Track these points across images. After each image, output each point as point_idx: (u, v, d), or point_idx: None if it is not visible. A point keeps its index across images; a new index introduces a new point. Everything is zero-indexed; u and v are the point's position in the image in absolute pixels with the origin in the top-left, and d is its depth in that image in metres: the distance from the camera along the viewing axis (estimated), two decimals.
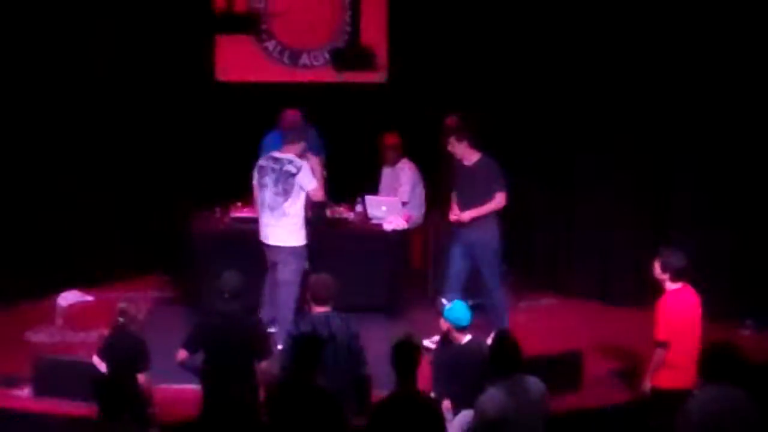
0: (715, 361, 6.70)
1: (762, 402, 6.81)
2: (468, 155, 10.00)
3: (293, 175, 9.70)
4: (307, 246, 9.88)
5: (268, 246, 9.86)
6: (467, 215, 9.94)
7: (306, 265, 9.93)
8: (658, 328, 7.98)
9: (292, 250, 9.80)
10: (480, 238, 9.97)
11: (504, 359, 6.86)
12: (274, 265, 9.88)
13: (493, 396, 6.74)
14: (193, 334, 8.00)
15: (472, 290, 10.09)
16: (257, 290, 10.00)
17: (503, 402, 6.70)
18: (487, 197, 9.90)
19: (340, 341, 7.84)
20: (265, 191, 9.80)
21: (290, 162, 9.72)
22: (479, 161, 9.98)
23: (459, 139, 9.98)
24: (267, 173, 9.79)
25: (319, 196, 9.98)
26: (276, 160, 9.78)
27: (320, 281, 8.13)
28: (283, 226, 9.77)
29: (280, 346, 8.91)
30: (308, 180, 9.75)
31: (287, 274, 9.78)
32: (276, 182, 9.75)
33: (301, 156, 9.83)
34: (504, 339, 6.97)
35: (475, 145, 9.96)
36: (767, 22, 10.31)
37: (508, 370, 6.82)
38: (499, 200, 9.91)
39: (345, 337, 7.89)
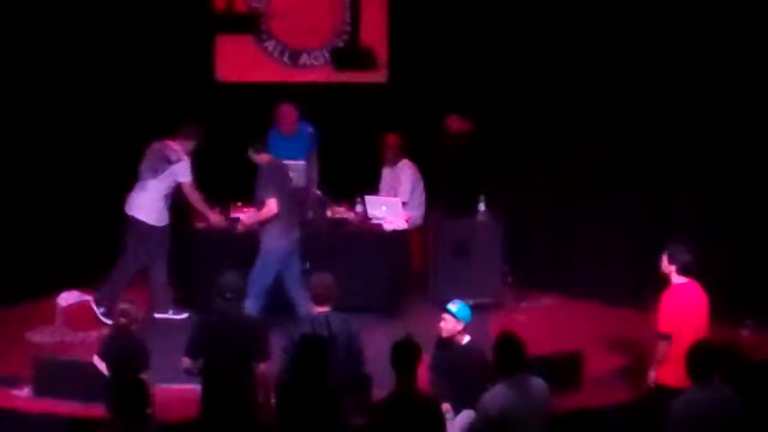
0: (700, 361, 6.71)
1: (761, 401, 6.82)
2: (259, 161, 9.92)
3: (168, 159, 10.43)
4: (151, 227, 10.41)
5: None
6: (245, 218, 10.12)
7: (306, 264, 9.96)
8: (661, 321, 7.95)
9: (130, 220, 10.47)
10: (263, 245, 9.85)
11: (509, 359, 6.87)
12: None
13: (496, 394, 6.76)
14: (193, 339, 7.97)
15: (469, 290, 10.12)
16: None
17: (506, 401, 6.71)
18: (261, 204, 9.84)
19: (340, 341, 7.84)
20: None
21: (168, 147, 10.44)
22: (261, 167, 9.90)
23: (250, 147, 9.96)
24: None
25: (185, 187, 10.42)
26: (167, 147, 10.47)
27: (320, 281, 8.13)
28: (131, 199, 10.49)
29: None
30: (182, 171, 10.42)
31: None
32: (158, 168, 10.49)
33: (185, 154, 10.47)
34: (509, 339, 6.98)
35: (260, 149, 9.90)
36: (767, 22, 10.32)
37: (513, 370, 6.83)
38: (268, 207, 9.73)
39: (345, 337, 7.89)
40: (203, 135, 10.64)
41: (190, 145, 10.58)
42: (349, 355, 7.92)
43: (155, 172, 10.44)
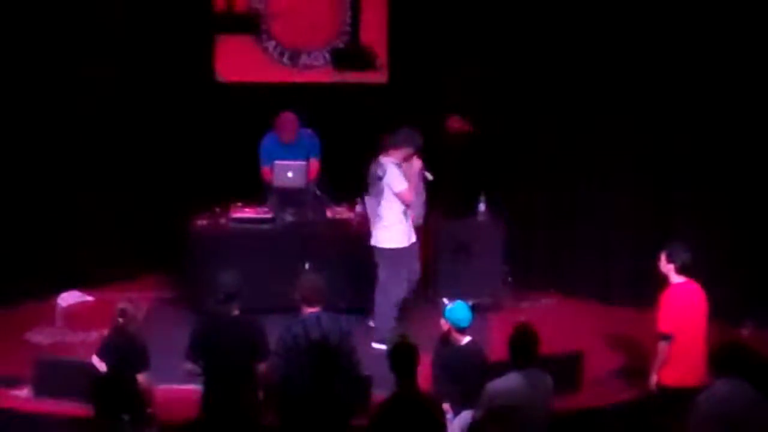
0: (727, 357, 6.69)
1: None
2: None
3: (380, 177, 9.91)
4: (402, 250, 9.97)
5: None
6: None
7: (306, 264, 9.96)
8: (661, 321, 7.95)
9: (380, 252, 10.00)
10: None
11: (522, 352, 6.90)
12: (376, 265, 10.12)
13: (505, 385, 6.82)
14: (193, 341, 7.97)
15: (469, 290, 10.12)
16: (257, 291, 9.99)
17: (514, 392, 6.78)
18: None
19: (333, 341, 7.82)
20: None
21: (380, 165, 9.95)
22: None
23: None
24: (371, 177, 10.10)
25: (407, 198, 9.95)
26: (377, 164, 10.01)
27: (309, 282, 8.10)
28: (377, 229, 10.02)
29: (375, 344, 9.28)
30: (395, 182, 9.88)
31: (381, 276, 9.99)
32: (372, 186, 10.08)
33: (406, 160, 9.97)
34: (525, 332, 7.01)
35: None
36: (767, 22, 10.31)
37: (525, 363, 6.86)
38: None
39: (336, 336, 7.87)
40: (417, 137, 10.03)
41: (402, 152, 10.00)
42: (342, 355, 7.91)
43: (376, 195, 10.09)
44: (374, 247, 10.10)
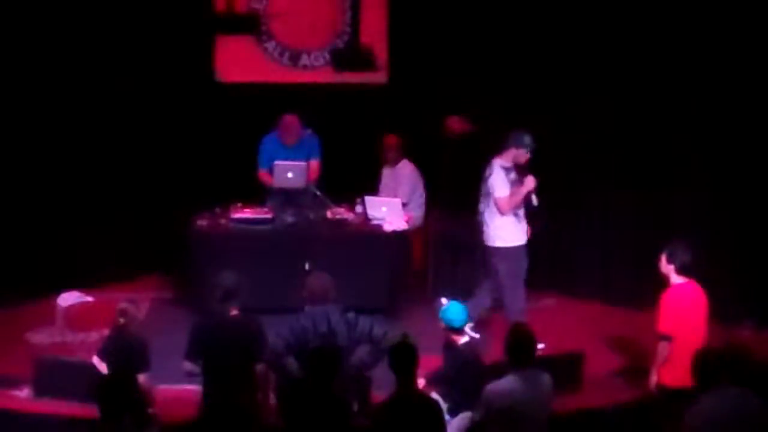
0: (706, 368, 6.67)
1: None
2: None
3: (486, 178, 9.78)
4: (515, 249, 9.79)
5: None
6: None
7: (306, 265, 9.96)
8: (661, 321, 7.95)
9: (491, 251, 9.83)
10: None
11: (519, 352, 6.90)
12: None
13: (505, 386, 6.81)
14: (192, 341, 7.99)
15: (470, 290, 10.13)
16: (256, 291, 9.99)
17: (515, 393, 6.76)
18: None
19: (341, 333, 7.84)
20: None
21: (490, 164, 9.79)
22: None
23: None
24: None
25: (503, 207, 9.69)
26: (489, 164, 9.83)
27: (318, 281, 8.14)
28: (485, 229, 9.84)
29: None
30: (496, 185, 9.72)
31: (499, 278, 9.82)
32: (483, 185, 9.88)
33: (514, 162, 9.76)
34: (521, 332, 7.01)
35: None
36: (767, 23, 10.32)
37: (523, 363, 6.86)
38: None
39: (344, 328, 7.88)
40: (526, 137, 9.79)
41: (511, 153, 9.80)
42: (351, 346, 7.91)
43: (485, 197, 9.85)
44: (488, 248, 9.89)
